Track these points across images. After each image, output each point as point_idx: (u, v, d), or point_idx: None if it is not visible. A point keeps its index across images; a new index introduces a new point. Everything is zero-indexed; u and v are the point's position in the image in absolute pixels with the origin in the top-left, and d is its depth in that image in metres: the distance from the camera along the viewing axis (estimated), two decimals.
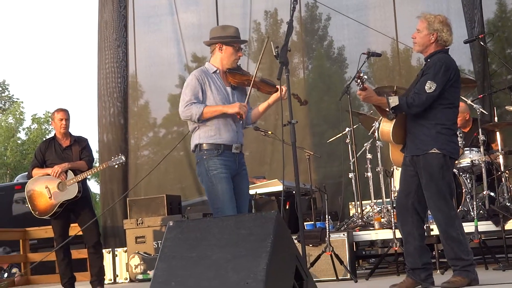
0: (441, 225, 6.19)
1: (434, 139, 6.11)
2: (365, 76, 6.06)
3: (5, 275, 13.24)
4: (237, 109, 6.33)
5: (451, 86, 6.15)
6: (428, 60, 6.28)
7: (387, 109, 6.17)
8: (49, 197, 8.66)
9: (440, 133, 6.12)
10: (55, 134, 9.03)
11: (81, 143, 8.94)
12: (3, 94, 42.97)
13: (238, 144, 6.49)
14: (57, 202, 8.64)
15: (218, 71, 6.56)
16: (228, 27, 6.70)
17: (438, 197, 6.13)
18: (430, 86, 6.05)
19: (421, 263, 6.24)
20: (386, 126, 6.35)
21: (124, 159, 8.93)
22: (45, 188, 8.69)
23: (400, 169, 6.63)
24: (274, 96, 6.56)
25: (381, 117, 6.49)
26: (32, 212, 8.83)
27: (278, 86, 6.50)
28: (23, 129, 40.44)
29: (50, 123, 9.01)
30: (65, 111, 8.95)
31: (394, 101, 6.11)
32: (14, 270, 13.98)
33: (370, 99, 6.22)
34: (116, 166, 8.98)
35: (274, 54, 6.02)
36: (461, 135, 9.08)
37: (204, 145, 6.39)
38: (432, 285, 6.29)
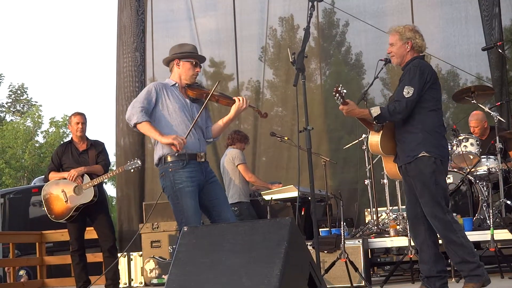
0: (440, 231, 6.15)
1: (421, 143, 6.10)
2: (344, 90, 6.03)
3: (11, 279, 13.28)
4: (171, 141, 6.26)
5: (430, 88, 6.15)
6: (405, 68, 6.30)
7: (374, 121, 6.18)
8: (65, 201, 8.70)
9: (428, 136, 6.11)
10: (72, 138, 9.07)
11: (97, 147, 8.97)
12: (21, 98, 43.13)
13: (202, 153, 6.47)
14: (73, 205, 8.68)
15: (177, 85, 6.60)
16: (186, 45, 6.80)
17: (432, 203, 6.09)
18: (408, 91, 6.06)
19: (436, 271, 6.22)
20: (374, 139, 6.34)
21: (140, 163, 8.94)
22: (62, 192, 8.72)
23: None
24: (234, 108, 6.55)
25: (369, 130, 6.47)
26: (48, 215, 8.88)
27: (236, 98, 6.55)
28: (41, 132, 40.59)
29: (67, 126, 9.02)
30: (81, 115, 8.98)
31: (375, 111, 6.12)
32: (21, 272, 14.04)
33: (353, 112, 6.21)
34: (132, 170, 8.99)
35: (291, 60, 6.03)
36: (478, 143, 9.07)
37: (169, 157, 6.35)
38: None
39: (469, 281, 6.09)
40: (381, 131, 6.27)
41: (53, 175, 8.88)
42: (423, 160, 6.07)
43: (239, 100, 6.50)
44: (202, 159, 6.45)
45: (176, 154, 6.30)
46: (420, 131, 6.11)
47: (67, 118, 38.64)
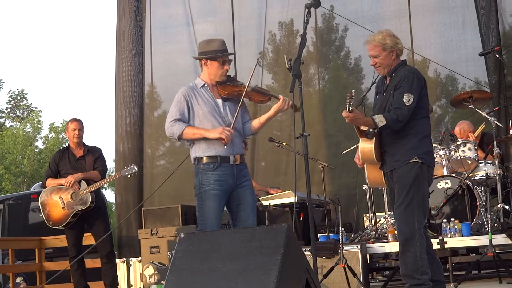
0: (401, 237, 6.07)
1: (415, 148, 6.05)
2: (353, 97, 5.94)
3: (9, 284, 13.27)
4: (218, 135, 6.29)
5: (423, 95, 6.14)
6: (393, 74, 6.22)
7: (370, 129, 6.12)
8: (63, 207, 8.71)
9: (421, 142, 6.09)
10: (68, 144, 9.08)
11: (94, 153, 8.98)
12: (21, 103, 43.15)
13: (237, 155, 6.45)
14: (70, 212, 8.68)
15: (206, 85, 6.55)
16: (213, 41, 6.66)
17: (407, 207, 6.01)
18: (408, 99, 6.00)
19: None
20: (367, 145, 6.22)
21: (136, 169, 8.97)
22: (59, 198, 8.73)
23: None
24: (275, 107, 6.50)
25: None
26: (46, 222, 8.88)
27: (281, 97, 6.48)
28: (41, 138, 40.63)
29: (65, 132, 9.02)
30: (78, 121, 8.99)
31: (380, 120, 6.02)
32: (18, 279, 14.01)
33: (357, 121, 6.13)
34: (129, 176, 9.01)
35: (287, 67, 6.02)
36: (476, 147, 9.09)
37: (204, 158, 6.39)
38: None
39: None
40: (374, 138, 6.22)
41: (50, 182, 8.89)
42: (411, 165, 6.03)
43: (283, 101, 6.45)
44: (236, 162, 6.43)
45: (209, 155, 6.33)
46: (413, 136, 6.08)
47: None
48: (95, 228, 8.83)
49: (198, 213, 6.39)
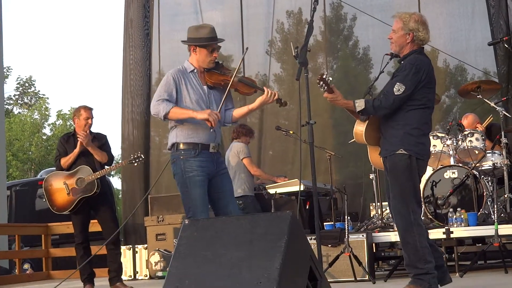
0: (399, 229, 6.07)
1: (401, 140, 6.00)
2: (330, 78, 5.97)
3: (16, 270, 13.33)
4: (206, 116, 6.20)
5: (423, 87, 6.02)
6: (402, 62, 6.19)
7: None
8: (68, 193, 8.69)
9: (408, 134, 6.00)
10: (75, 130, 9.04)
11: (100, 139, 8.97)
12: (29, 90, 43.24)
13: (215, 143, 6.43)
14: (75, 198, 8.67)
15: (196, 70, 6.48)
16: (203, 28, 6.57)
17: (399, 199, 6.01)
18: (398, 89, 5.94)
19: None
20: (359, 128, 6.27)
21: (143, 157, 8.96)
22: (64, 184, 8.72)
23: None
24: (259, 99, 6.43)
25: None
26: (50, 207, 8.86)
27: (265, 89, 6.40)
28: (48, 125, 40.74)
29: (73, 118, 8.94)
30: (91, 111, 8.98)
31: (360, 104, 6.03)
32: (26, 266, 14.07)
33: (336, 102, 6.15)
34: (136, 164, 9.01)
35: (294, 54, 6.00)
36: (483, 137, 9.06)
37: (181, 144, 6.33)
38: (450, 281, 6.20)
39: (412, 282, 5.98)
40: (367, 121, 6.22)
41: (64, 160, 8.82)
42: (398, 156, 6.00)
43: (267, 93, 6.37)
44: (215, 150, 6.42)
45: (190, 141, 6.28)
46: (401, 127, 6.00)
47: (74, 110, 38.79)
48: (102, 214, 8.82)
49: (185, 201, 6.34)
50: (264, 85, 12.40)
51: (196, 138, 6.33)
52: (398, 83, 5.95)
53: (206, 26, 6.58)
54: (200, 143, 6.32)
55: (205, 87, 6.47)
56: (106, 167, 8.94)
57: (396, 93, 5.94)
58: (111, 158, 8.99)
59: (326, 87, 5.97)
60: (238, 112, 6.61)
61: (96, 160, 8.82)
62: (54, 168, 9.35)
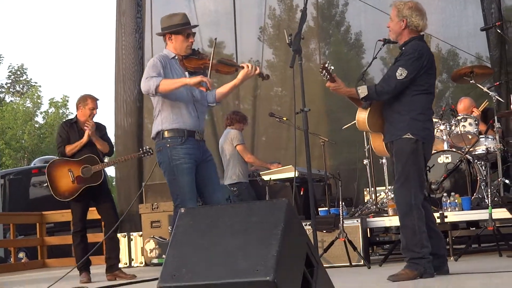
0: (400, 212, 6.16)
1: (408, 124, 6.08)
2: (332, 67, 6.02)
3: (11, 259, 13.33)
4: (199, 79, 6.19)
5: (425, 73, 6.13)
6: (403, 48, 6.25)
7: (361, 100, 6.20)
8: (72, 181, 8.65)
9: (415, 119, 6.10)
10: (77, 117, 8.99)
11: (101, 130, 8.97)
12: (21, 78, 43.13)
13: (200, 130, 6.45)
14: (80, 186, 8.64)
15: (176, 57, 6.50)
16: (175, 16, 6.60)
17: (403, 182, 6.10)
18: (401, 73, 6.04)
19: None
20: (361, 115, 6.34)
21: (152, 151, 8.88)
22: (68, 171, 8.68)
23: None
24: (242, 73, 6.41)
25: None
26: (53, 193, 8.77)
27: (245, 64, 6.41)
28: (41, 113, 40.66)
29: (77, 106, 8.84)
30: (97, 101, 8.96)
31: (363, 91, 6.11)
32: (21, 254, 14.07)
33: (339, 90, 6.21)
34: (145, 157, 9.09)
35: (287, 42, 6.01)
36: (476, 122, 9.08)
37: (166, 132, 6.34)
38: (446, 273, 6.26)
39: (407, 267, 6.05)
40: (369, 108, 6.27)
41: (69, 147, 8.77)
42: (405, 140, 6.08)
43: (248, 67, 6.36)
44: (200, 137, 6.44)
45: (175, 128, 6.30)
46: (407, 112, 6.11)
47: (67, 98, 38.62)
48: (103, 205, 8.81)
49: (173, 189, 6.36)
50: None
51: (181, 123, 6.34)
52: (400, 68, 6.03)
53: (178, 13, 6.66)
54: (185, 129, 6.34)
55: (186, 73, 6.49)
56: (114, 158, 8.95)
57: (398, 78, 6.04)
58: (111, 148, 9.01)
59: (328, 76, 6.03)
60: (222, 89, 6.66)
61: (99, 150, 8.82)
62: (47, 156, 9.32)
